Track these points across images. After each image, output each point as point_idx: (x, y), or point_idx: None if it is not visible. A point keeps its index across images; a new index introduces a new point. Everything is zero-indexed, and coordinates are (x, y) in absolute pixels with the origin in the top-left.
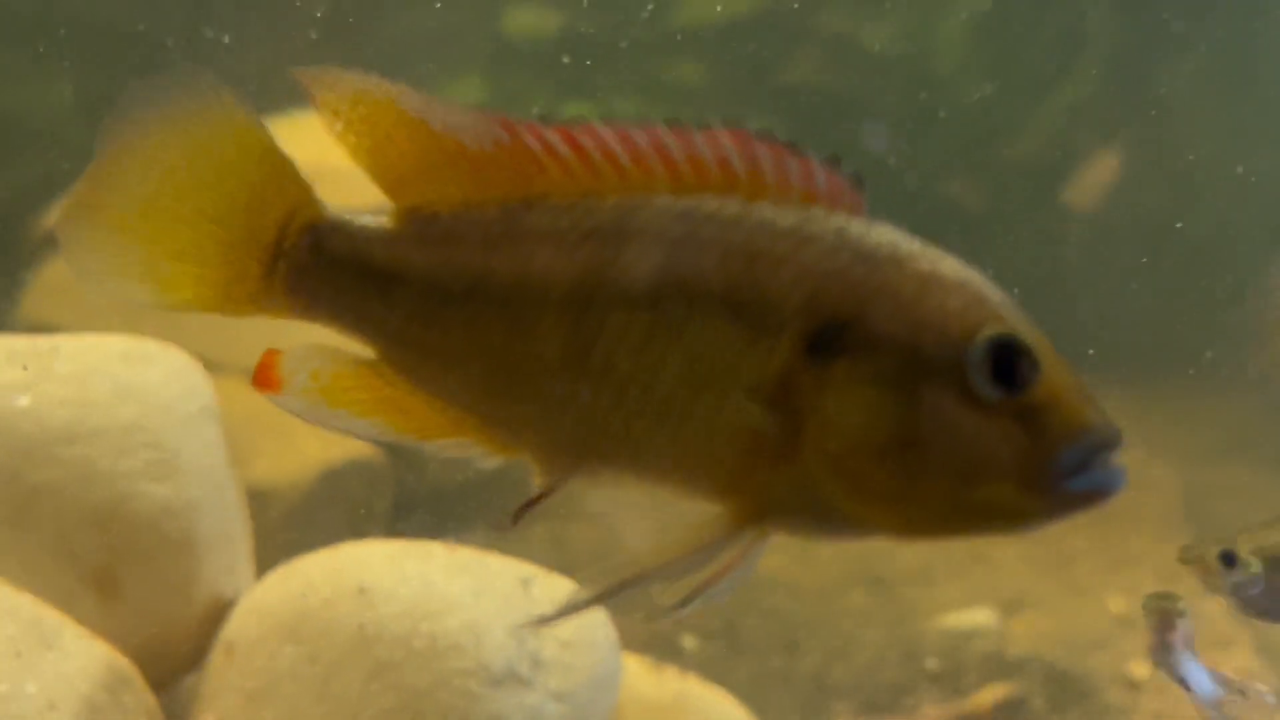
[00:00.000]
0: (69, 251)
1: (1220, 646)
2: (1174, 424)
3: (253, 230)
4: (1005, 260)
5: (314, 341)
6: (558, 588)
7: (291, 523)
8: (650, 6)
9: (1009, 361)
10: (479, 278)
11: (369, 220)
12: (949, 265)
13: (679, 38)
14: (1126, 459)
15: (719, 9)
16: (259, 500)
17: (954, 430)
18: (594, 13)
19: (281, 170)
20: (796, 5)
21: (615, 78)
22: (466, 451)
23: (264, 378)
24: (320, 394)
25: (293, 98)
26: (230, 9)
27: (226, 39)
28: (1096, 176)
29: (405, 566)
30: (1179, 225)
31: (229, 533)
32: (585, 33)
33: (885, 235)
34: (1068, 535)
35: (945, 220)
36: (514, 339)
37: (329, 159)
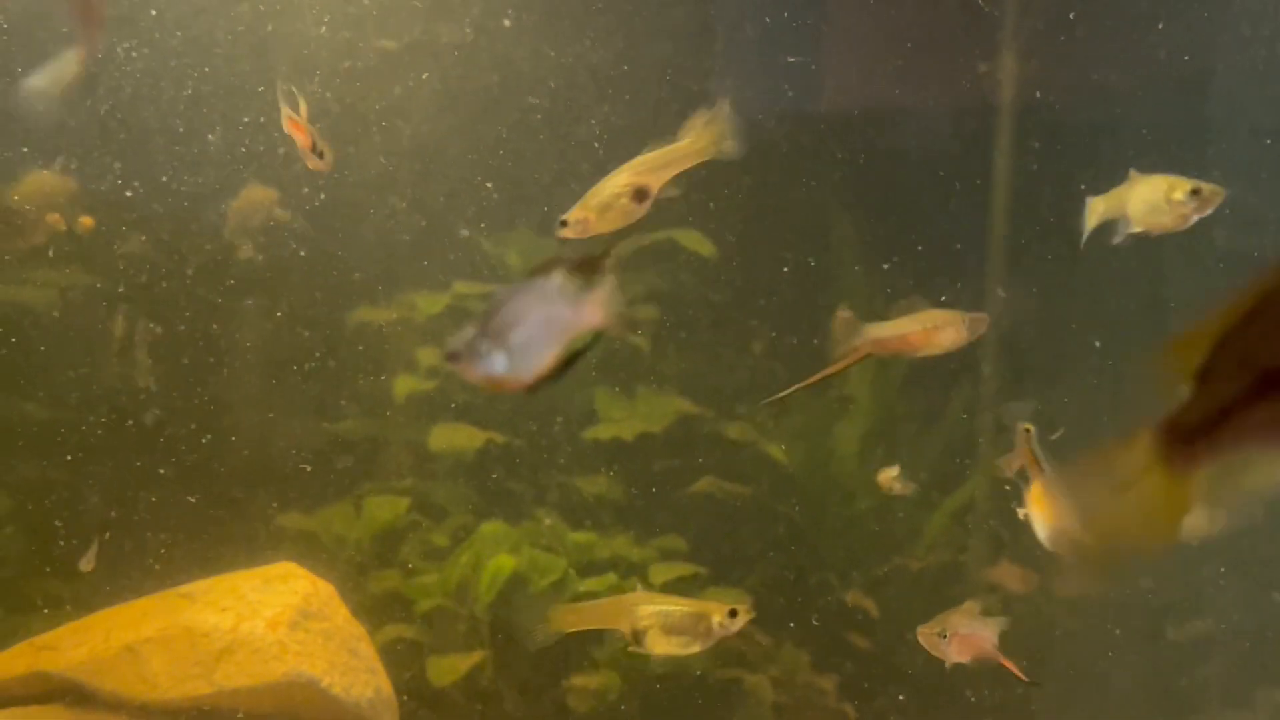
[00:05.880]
0: None
1: None
2: None
3: None
4: (901, 669)
5: None
6: None
7: None
8: (563, 422)
9: None
10: None
11: None
12: None
13: (594, 452)
14: None
15: (633, 427)
16: None
17: None
18: (515, 430)
19: None
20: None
21: (535, 489)
22: None
23: None
24: None
25: None
26: None
27: None
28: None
29: None
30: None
31: None
32: (506, 448)
33: None
34: None
35: (847, 628)
36: None
37: (244, 626)
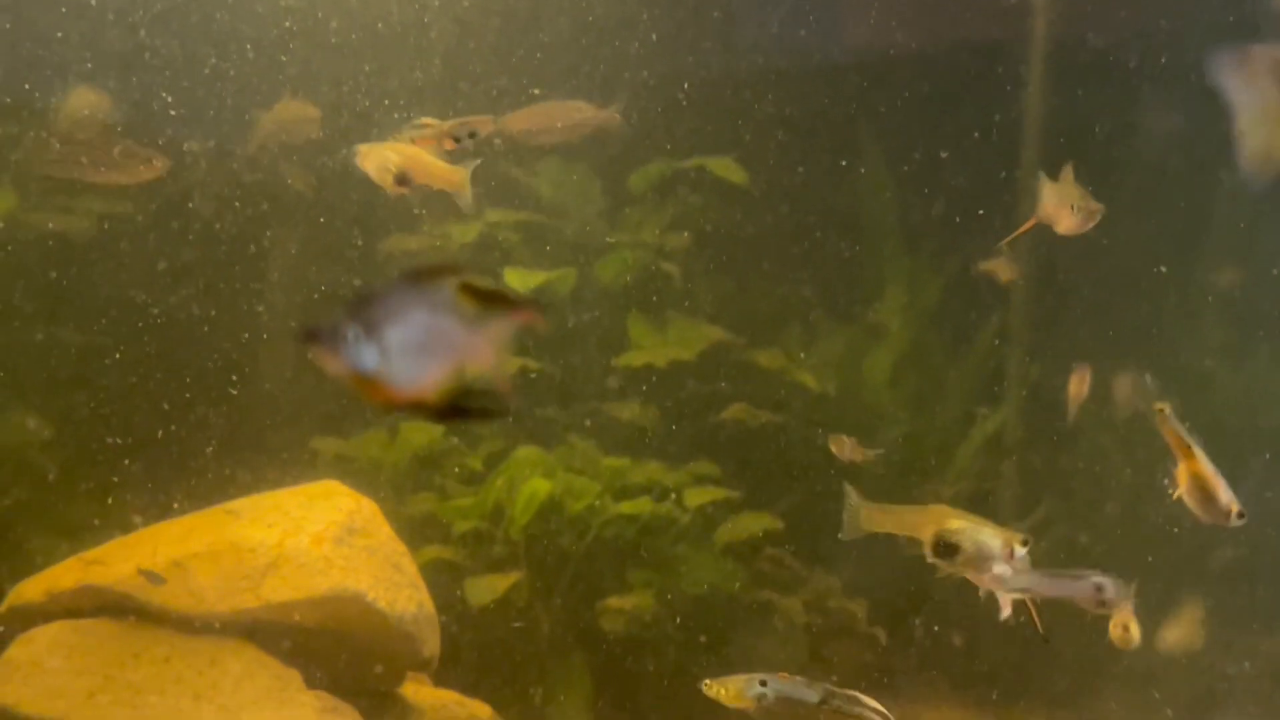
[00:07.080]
0: None
1: None
2: None
3: None
4: (931, 594)
5: None
6: None
7: None
8: (597, 349)
9: None
10: None
11: None
12: None
13: (627, 380)
14: None
15: (665, 354)
16: None
17: None
18: (549, 356)
19: None
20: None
21: (568, 415)
22: None
23: None
24: None
25: None
26: None
27: None
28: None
29: None
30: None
31: None
32: (540, 374)
33: None
34: None
35: (877, 554)
36: None
37: (289, 543)
